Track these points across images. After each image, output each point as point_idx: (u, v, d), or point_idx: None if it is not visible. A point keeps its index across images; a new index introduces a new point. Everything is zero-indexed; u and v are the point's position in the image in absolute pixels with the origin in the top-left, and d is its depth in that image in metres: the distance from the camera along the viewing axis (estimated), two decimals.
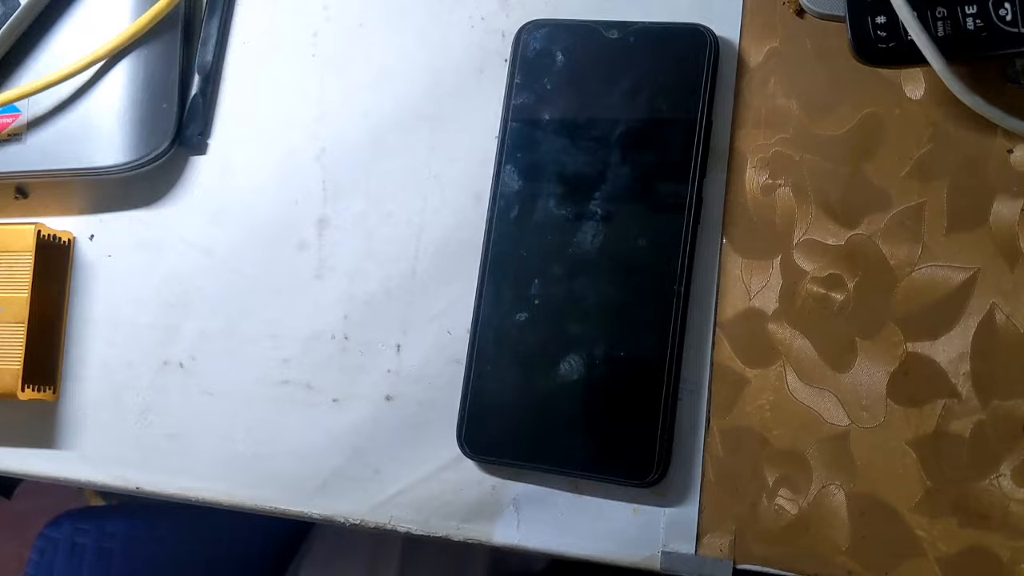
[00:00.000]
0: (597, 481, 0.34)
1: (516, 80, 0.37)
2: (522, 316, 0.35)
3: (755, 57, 0.35)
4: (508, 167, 0.36)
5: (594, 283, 0.34)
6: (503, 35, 0.38)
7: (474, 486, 0.36)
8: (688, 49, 0.35)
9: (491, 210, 0.36)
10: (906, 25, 0.29)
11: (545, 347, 0.34)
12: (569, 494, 0.35)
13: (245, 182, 0.40)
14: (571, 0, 0.37)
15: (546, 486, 0.35)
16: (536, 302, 0.35)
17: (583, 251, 0.35)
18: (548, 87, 0.36)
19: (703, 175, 0.34)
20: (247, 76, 0.41)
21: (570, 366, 0.34)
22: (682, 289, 0.34)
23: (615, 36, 0.35)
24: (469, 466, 0.36)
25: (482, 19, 0.39)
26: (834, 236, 0.34)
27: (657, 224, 0.34)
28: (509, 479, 0.35)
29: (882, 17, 0.29)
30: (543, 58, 0.36)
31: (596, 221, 0.35)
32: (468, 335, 0.36)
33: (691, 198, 0.34)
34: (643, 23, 0.35)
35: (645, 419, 0.33)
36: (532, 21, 0.37)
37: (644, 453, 0.33)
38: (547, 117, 0.36)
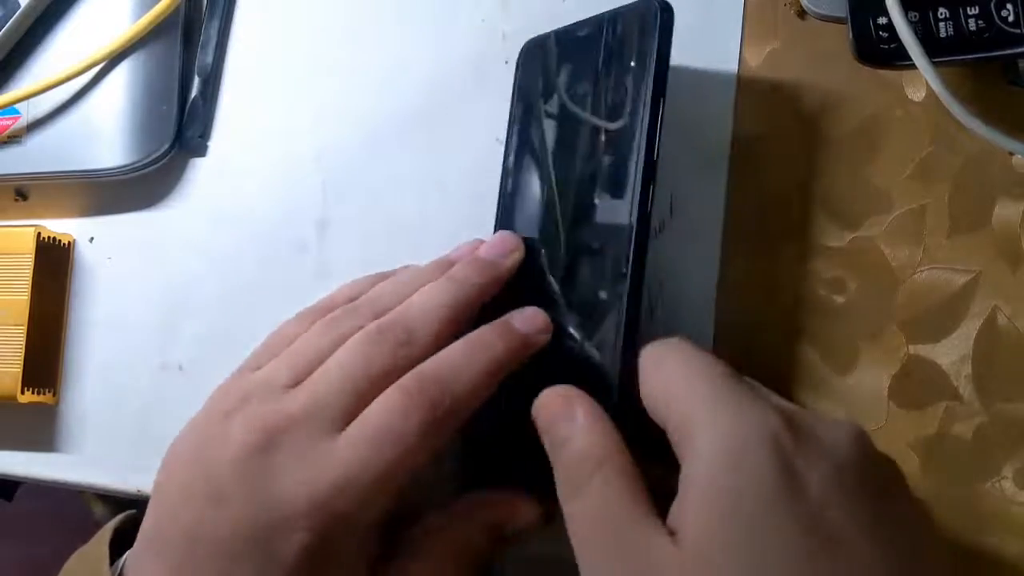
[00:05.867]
0: None
1: (516, 101, 0.36)
2: None
3: (756, 58, 0.35)
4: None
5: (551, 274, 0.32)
6: (503, 36, 0.38)
7: None
8: (640, 24, 0.31)
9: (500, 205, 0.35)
10: (905, 43, 0.28)
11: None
12: None
13: (245, 184, 0.40)
14: (571, 2, 0.37)
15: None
16: None
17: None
18: (545, 106, 0.34)
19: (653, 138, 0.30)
20: (247, 78, 0.41)
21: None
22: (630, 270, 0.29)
23: (584, 33, 0.34)
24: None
25: (482, 20, 0.38)
26: (836, 238, 0.33)
27: (608, 229, 0.31)
28: None
29: (883, 18, 0.29)
30: (531, 77, 0.35)
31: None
32: None
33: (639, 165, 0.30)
34: (602, 13, 0.33)
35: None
36: (530, 40, 0.36)
37: None
38: (547, 136, 0.34)
